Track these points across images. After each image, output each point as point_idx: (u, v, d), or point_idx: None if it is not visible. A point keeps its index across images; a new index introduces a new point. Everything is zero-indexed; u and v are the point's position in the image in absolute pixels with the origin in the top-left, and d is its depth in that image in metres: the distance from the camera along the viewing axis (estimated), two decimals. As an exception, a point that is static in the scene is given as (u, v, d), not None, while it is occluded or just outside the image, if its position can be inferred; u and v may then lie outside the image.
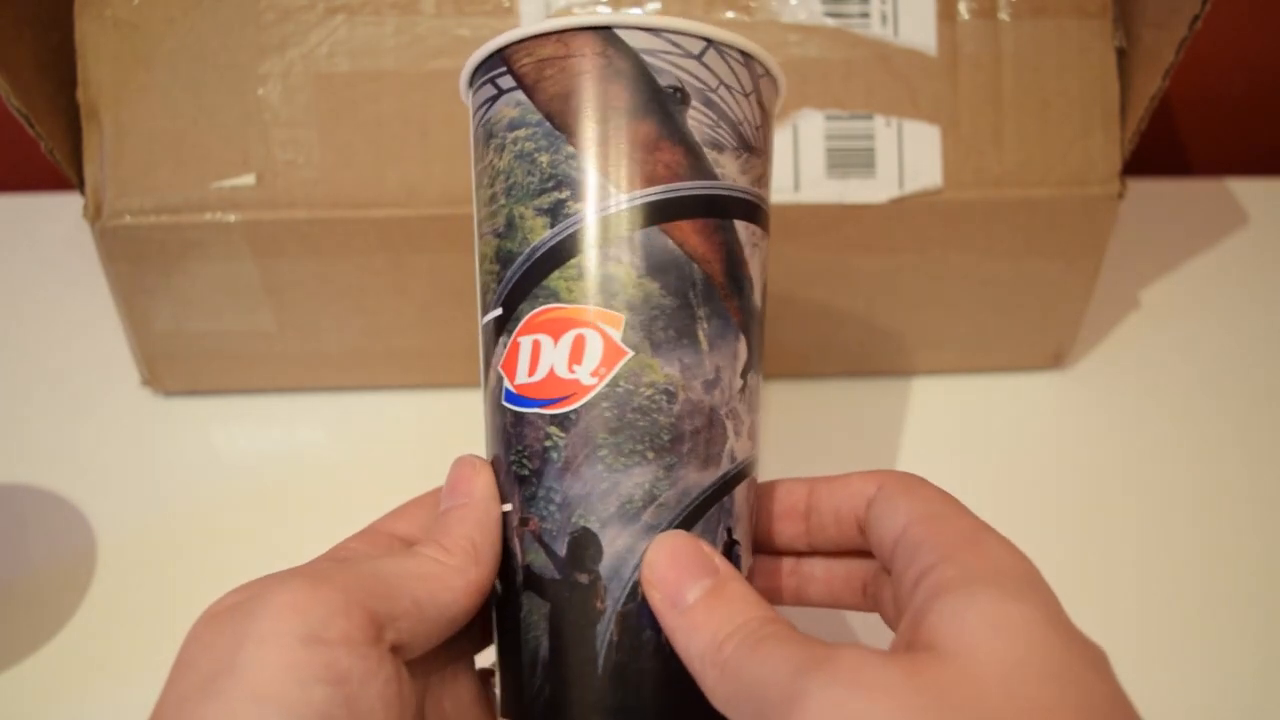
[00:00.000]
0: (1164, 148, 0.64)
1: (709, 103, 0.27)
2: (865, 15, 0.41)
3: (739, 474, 0.27)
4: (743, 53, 0.27)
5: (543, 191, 0.27)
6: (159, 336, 0.44)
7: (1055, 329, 0.46)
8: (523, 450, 0.27)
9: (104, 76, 0.40)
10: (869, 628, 0.38)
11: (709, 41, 0.27)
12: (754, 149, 0.28)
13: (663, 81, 0.26)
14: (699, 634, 0.24)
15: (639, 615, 0.25)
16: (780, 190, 0.41)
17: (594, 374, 0.26)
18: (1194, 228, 0.56)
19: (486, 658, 0.29)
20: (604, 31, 0.26)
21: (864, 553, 0.28)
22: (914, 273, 0.43)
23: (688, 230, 0.26)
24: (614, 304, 0.26)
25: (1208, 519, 0.43)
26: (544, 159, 0.27)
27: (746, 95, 0.27)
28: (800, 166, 0.41)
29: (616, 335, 0.26)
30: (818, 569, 0.30)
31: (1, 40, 0.37)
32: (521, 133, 0.27)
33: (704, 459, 0.26)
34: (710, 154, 0.27)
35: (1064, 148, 0.41)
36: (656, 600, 0.25)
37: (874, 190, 0.41)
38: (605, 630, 0.25)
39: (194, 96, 0.40)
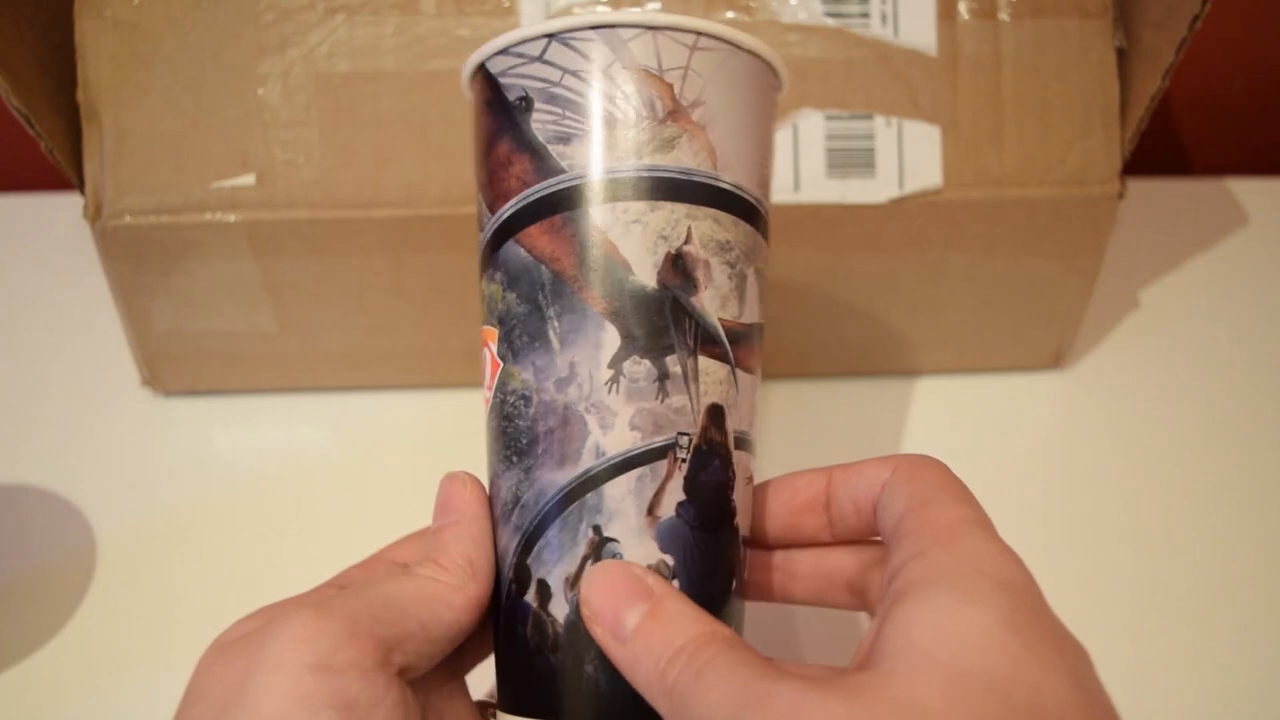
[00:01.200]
0: (1164, 148, 0.64)
1: (552, 99, 0.27)
2: (865, 15, 0.41)
3: (611, 469, 0.26)
4: (592, 27, 0.26)
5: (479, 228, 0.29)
6: (159, 336, 0.44)
7: (1055, 329, 0.46)
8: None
9: (104, 76, 0.40)
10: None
11: (549, 37, 0.27)
12: (621, 121, 0.26)
13: (512, 96, 0.27)
14: (642, 664, 0.24)
15: (512, 612, 0.27)
16: (780, 190, 0.41)
17: (488, 387, 0.28)
18: (1194, 228, 0.56)
19: (485, 674, 0.29)
20: (479, 68, 0.28)
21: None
22: (914, 273, 0.43)
23: (535, 234, 0.27)
24: (492, 320, 0.28)
25: (1207, 519, 0.43)
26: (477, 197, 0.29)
27: (603, 70, 0.26)
28: (800, 166, 0.41)
29: (495, 349, 0.28)
30: (803, 566, 0.29)
31: (1, 40, 0.37)
32: None
33: (560, 458, 0.26)
34: (555, 149, 0.27)
35: (1064, 148, 0.41)
36: (599, 635, 0.25)
37: (874, 190, 0.41)
38: (499, 626, 0.27)
39: (194, 96, 0.40)
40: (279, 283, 0.42)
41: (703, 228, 0.27)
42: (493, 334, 0.28)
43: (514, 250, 0.27)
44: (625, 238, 0.26)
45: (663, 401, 0.26)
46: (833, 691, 0.20)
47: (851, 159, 0.41)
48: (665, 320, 0.26)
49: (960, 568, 0.22)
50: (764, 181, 0.29)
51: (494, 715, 0.28)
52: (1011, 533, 0.45)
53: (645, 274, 0.26)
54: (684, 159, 0.27)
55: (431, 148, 0.40)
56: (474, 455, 0.30)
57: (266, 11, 0.40)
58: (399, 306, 0.44)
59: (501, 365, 0.27)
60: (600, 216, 0.26)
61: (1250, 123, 0.63)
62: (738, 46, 0.28)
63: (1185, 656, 0.39)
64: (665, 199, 0.27)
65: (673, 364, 0.26)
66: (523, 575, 0.26)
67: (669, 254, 0.26)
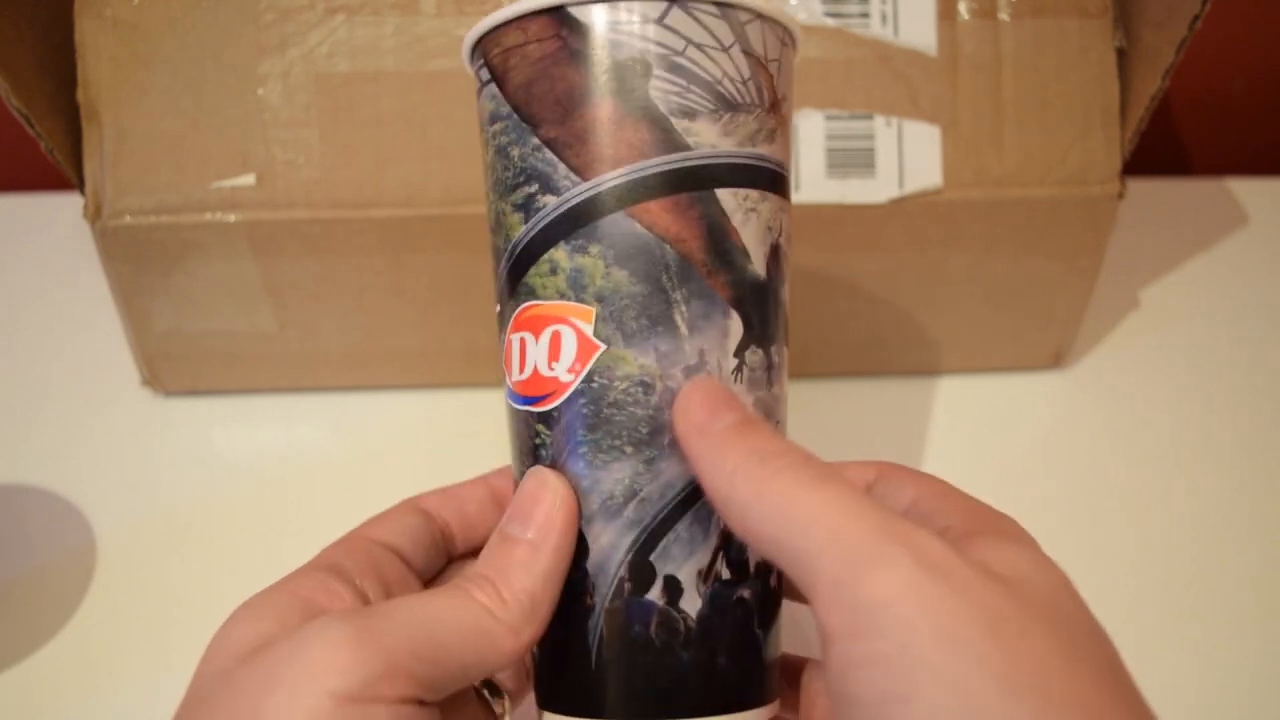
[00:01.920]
0: (1164, 148, 0.64)
1: (675, 68, 0.25)
2: (865, 15, 0.41)
3: None
4: (716, 4, 0.25)
5: (516, 186, 0.26)
6: (159, 336, 0.44)
7: (1055, 329, 0.46)
8: (520, 447, 0.27)
9: (104, 76, 0.40)
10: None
11: (671, 1, 0.25)
12: (741, 105, 0.26)
13: (621, 55, 0.25)
14: (733, 451, 0.23)
15: (626, 611, 0.25)
16: (780, 190, 0.41)
17: (570, 370, 0.26)
18: (1194, 228, 0.56)
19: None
20: (558, 12, 0.25)
21: None
22: (914, 273, 0.43)
23: (656, 210, 0.25)
24: (584, 297, 0.25)
25: (1207, 519, 0.43)
26: (515, 152, 0.26)
27: (726, 49, 0.26)
28: (800, 166, 0.41)
29: (589, 329, 0.25)
30: None
31: (1, 40, 0.37)
32: (498, 126, 0.27)
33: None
34: (680, 124, 0.25)
35: (1064, 148, 0.41)
36: (682, 426, 0.24)
37: (874, 190, 0.41)
38: (595, 626, 0.25)
39: (194, 96, 0.40)
40: (279, 283, 0.42)
41: (787, 222, 0.28)
42: (584, 312, 0.25)
43: (625, 224, 0.25)
44: (745, 225, 0.26)
45: (770, 390, 0.27)
46: (964, 557, 0.21)
47: (851, 159, 0.41)
48: (771, 310, 0.27)
49: (1013, 530, 0.25)
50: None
51: (499, 695, 0.28)
52: (1011, 533, 0.44)
53: (759, 263, 0.26)
54: (779, 152, 0.27)
55: (431, 148, 0.40)
56: (475, 455, 0.30)
57: (266, 11, 0.40)
58: (399, 306, 0.44)
59: (605, 347, 0.25)
60: (729, 201, 0.26)
61: (1250, 123, 0.63)
62: (796, 50, 0.28)
63: (1185, 656, 0.39)
64: (770, 190, 0.27)
65: (775, 353, 0.27)
66: (643, 572, 0.25)
67: (772, 245, 0.27)
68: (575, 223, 0.25)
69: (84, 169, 0.40)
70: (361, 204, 0.40)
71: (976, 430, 0.46)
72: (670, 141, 0.25)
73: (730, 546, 0.26)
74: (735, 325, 0.26)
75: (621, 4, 0.25)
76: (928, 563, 0.20)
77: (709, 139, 0.25)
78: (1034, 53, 0.41)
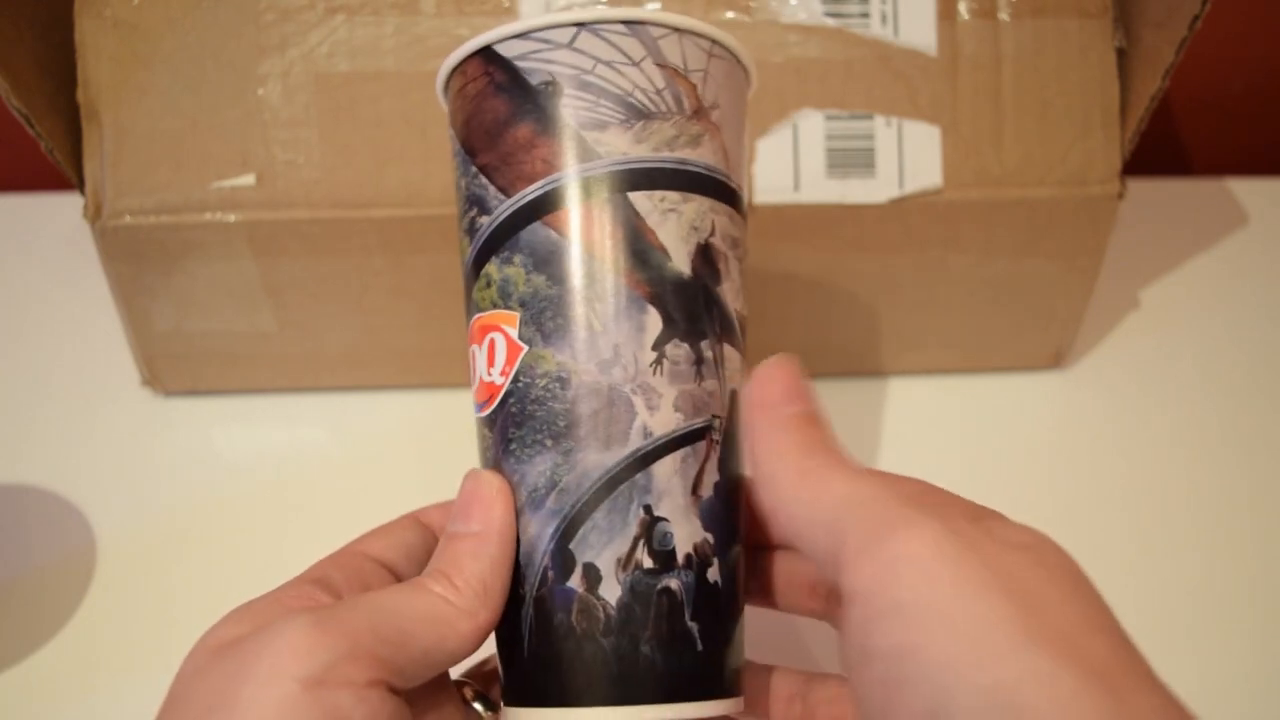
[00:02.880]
0: (1164, 148, 0.64)
1: (584, 85, 0.27)
2: (865, 15, 0.41)
3: (659, 449, 0.27)
4: (624, 23, 0.27)
5: (464, 213, 0.29)
6: (159, 336, 0.44)
7: (1055, 329, 0.46)
8: (480, 452, 0.29)
9: (104, 76, 0.40)
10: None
11: (579, 25, 0.27)
12: (655, 114, 0.27)
13: (535, 80, 0.27)
14: (791, 436, 0.26)
15: (550, 599, 0.26)
16: (780, 190, 0.41)
17: (502, 373, 0.28)
18: (1194, 228, 0.56)
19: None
20: (484, 51, 0.28)
21: None
22: (914, 273, 0.43)
23: (569, 217, 0.27)
24: (510, 304, 0.27)
25: (1207, 518, 0.43)
26: (463, 182, 0.29)
27: (637, 64, 0.27)
28: (800, 166, 0.41)
29: (514, 333, 0.27)
30: (771, 569, 0.30)
31: (1, 40, 0.37)
32: (455, 162, 0.30)
33: (605, 439, 0.26)
34: (591, 135, 0.27)
35: (1064, 148, 0.41)
36: (757, 397, 0.27)
37: (874, 190, 0.41)
38: (527, 616, 0.27)
39: (194, 96, 0.40)
40: (279, 283, 0.42)
41: (721, 223, 0.28)
42: (510, 318, 0.27)
43: (542, 232, 0.27)
44: (663, 225, 0.27)
45: (700, 384, 0.27)
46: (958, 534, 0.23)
47: (851, 159, 0.41)
48: (699, 306, 0.27)
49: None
50: (746, 187, 0.30)
51: (491, 709, 0.28)
52: (1011, 533, 0.44)
53: (681, 261, 0.27)
54: (707, 156, 0.28)
55: (431, 148, 0.40)
56: (474, 456, 0.30)
57: (266, 11, 0.40)
58: (399, 306, 0.44)
59: (527, 348, 0.27)
60: (644, 203, 0.27)
61: (1250, 123, 0.63)
62: (738, 60, 0.29)
63: (1185, 656, 0.39)
64: (695, 192, 0.28)
65: (705, 349, 0.27)
66: (564, 560, 0.26)
67: (699, 244, 0.28)
68: (502, 237, 0.28)
69: (84, 169, 0.40)
70: (361, 204, 0.40)
71: (976, 430, 0.46)
72: (582, 153, 0.27)
73: (652, 537, 0.26)
74: (653, 320, 0.27)
75: (534, 34, 0.27)
76: (952, 527, 0.22)
77: (620, 147, 0.27)
78: (1034, 53, 0.41)
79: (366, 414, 0.46)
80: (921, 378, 0.48)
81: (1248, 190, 0.58)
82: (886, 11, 0.41)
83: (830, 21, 0.40)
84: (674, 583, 0.26)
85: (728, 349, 0.28)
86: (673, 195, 0.27)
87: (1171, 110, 0.62)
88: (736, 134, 0.29)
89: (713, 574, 0.27)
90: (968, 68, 0.41)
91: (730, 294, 0.28)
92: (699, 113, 0.28)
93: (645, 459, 0.26)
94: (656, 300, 0.27)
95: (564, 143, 0.27)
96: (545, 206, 0.27)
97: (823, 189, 0.41)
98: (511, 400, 0.27)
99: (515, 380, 0.27)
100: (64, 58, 0.40)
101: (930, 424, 0.46)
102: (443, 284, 0.43)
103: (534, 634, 0.26)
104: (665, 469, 0.26)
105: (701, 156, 0.28)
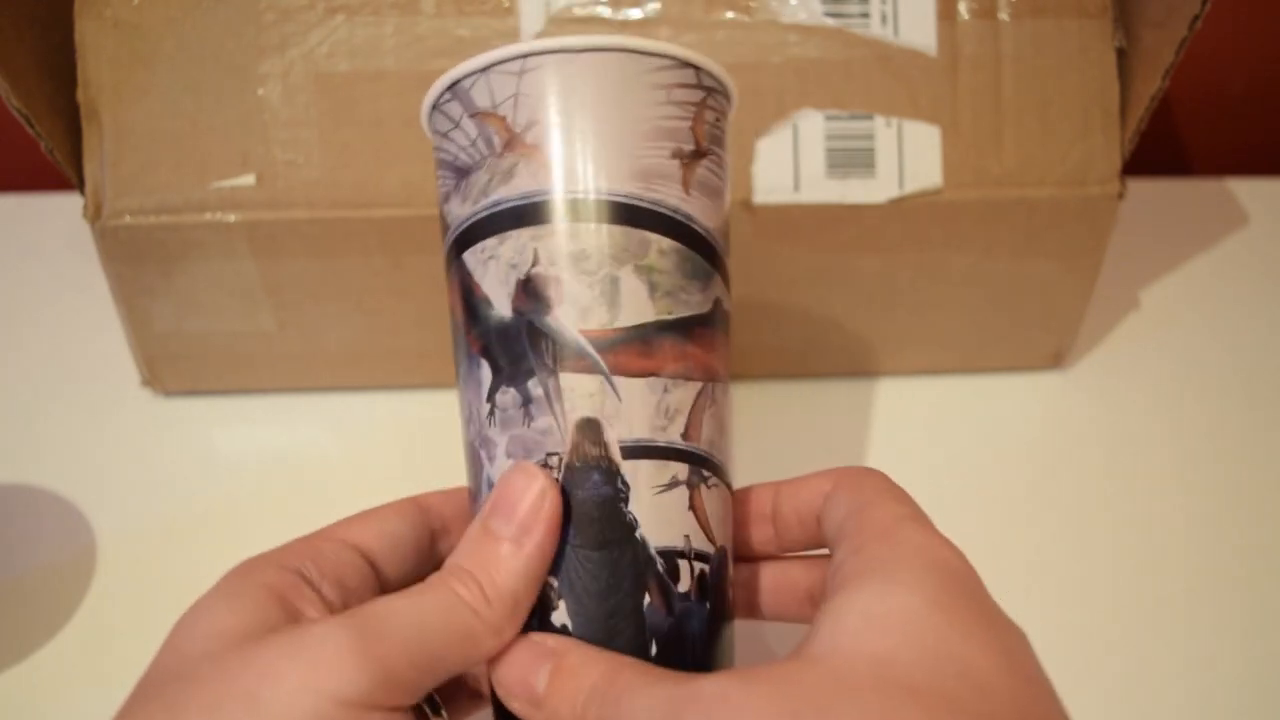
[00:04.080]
0: (1164, 148, 0.64)
1: (439, 164, 0.29)
2: (865, 15, 0.41)
3: None
4: (447, 88, 0.28)
5: None
6: (159, 336, 0.44)
7: (1055, 329, 0.46)
8: None
9: (104, 76, 0.40)
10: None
11: (430, 110, 0.29)
12: (472, 166, 0.27)
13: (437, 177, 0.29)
14: (562, 718, 0.24)
15: None
16: (780, 190, 0.41)
17: None
18: (1194, 228, 0.56)
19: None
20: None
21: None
22: (914, 273, 0.43)
23: (448, 293, 0.29)
24: None
25: (1208, 519, 0.43)
26: None
27: (457, 124, 0.28)
28: (800, 166, 0.41)
29: None
30: (765, 580, 0.29)
31: (1, 40, 0.37)
32: None
33: (475, 494, 0.28)
34: (444, 210, 0.29)
35: (1064, 148, 0.41)
36: (517, 709, 0.25)
37: (874, 190, 0.41)
38: None
39: (194, 96, 0.40)
40: (279, 283, 0.42)
41: (550, 245, 0.26)
42: None
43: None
44: (485, 275, 0.27)
45: (529, 426, 0.26)
46: (760, 680, 0.20)
47: (851, 159, 0.41)
48: (523, 345, 0.27)
49: (893, 557, 0.23)
50: (643, 172, 0.27)
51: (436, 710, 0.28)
52: (1010, 532, 0.45)
53: (502, 305, 0.27)
54: (524, 184, 0.27)
55: (431, 148, 0.40)
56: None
57: (266, 11, 0.40)
58: (399, 306, 0.44)
59: None
60: (471, 259, 0.28)
61: (1250, 123, 0.63)
62: (569, 51, 0.27)
63: (1184, 656, 0.39)
64: (509, 228, 0.27)
65: (534, 387, 0.26)
66: None
67: (519, 281, 0.27)
68: None
69: (84, 169, 0.40)
70: (361, 204, 0.40)
71: (977, 430, 0.46)
72: (444, 228, 0.29)
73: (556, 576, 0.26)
74: (485, 373, 0.27)
75: (427, 124, 0.29)
76: (721, 714, 0.20)
77: (456, 212, 0.28)
78: (1034, 53, 0.41)
79: (366, 414, 0.46)
80: (921, 378, 0.48)
81: (1248, 190, 0.58)
82: (886, 11, 0.41)
83: (830, 21, 0.40)
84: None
85: (570, 378, 0.26)
86: (490, 242, 0.27)
87: (1171, 110, 0.62)
88: (582, 132, 0.27)
89: (557, 617, 0.26)
90: (968, 68, 0.41)
91: (569, 316, 0.26)
92: (510, 144, 0.27)
93: None
94: (486, 352, 0.27)
95: (440, 223, 0.29)
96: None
97: (823, 189, 0.41)
98: None
99: None
100: (64, 58, 0.40)
101: (930, 424, 0.46)
102: (443, 284, 0.42)
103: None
104: None
105: (516, 188, 0.27)
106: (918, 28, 0.41)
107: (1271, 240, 0.55)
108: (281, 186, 0.40)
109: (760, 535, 0.29)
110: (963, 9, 0.41)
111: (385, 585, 0.28)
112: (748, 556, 0.30)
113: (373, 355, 0.46)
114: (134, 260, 0.41)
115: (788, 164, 0.41)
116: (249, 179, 0.40)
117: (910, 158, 0.41)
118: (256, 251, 0.41)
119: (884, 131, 0.41)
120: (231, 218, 0.40)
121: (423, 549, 0.29)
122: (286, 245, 0.41)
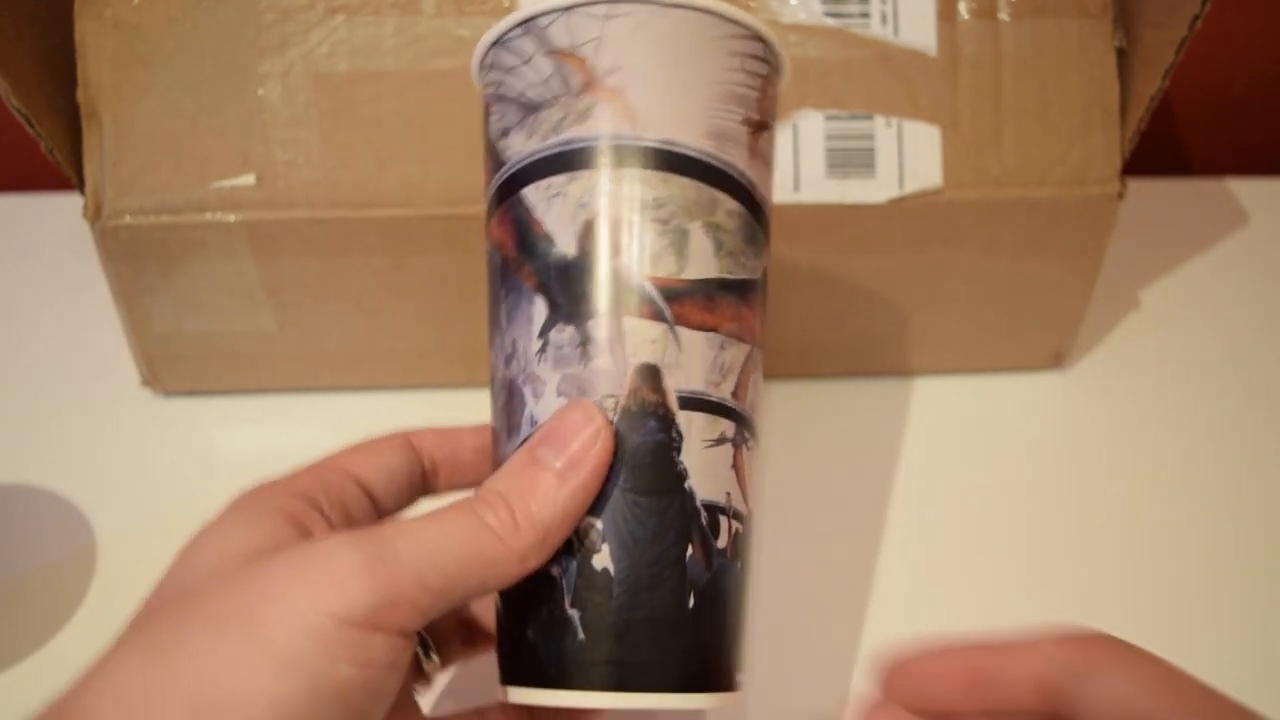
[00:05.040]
0: (1164, 148, 0.64)
1: (497, 99, 0.28)
2: (865, 15, 0.41)
3: None
4: (518, 24, 0.28)
5: None
6: (159, 336, 0.44)
7: (1055, 329, 0.46)
8: None
9: (104, 76, 0.40)
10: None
11: (491, 44, 0.28)
12: (543, 103, 0.27)
13: (483, 108, 0.29)
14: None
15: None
16: (780, 190, 0.41)
17: None
18: (1194, 228, 0.56)
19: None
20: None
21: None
22: (914, 272, 0.43)
23: (492, 226, 0.29)
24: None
25: (1208, 519, 0.43)
26: None
27: (527, 61, 0.27)
28: (800, 166, 0.41)
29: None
30: None
31: (1, 40, 0.37)
32: None
33: (509, 430, 0.27)
34: (500, 144, 0.28)
35: (1064, 148, 0.41)
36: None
37: (874, 190, 0.41)
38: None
39: (194, 96, 0.40)
40: (279, 283, 0.42)
41: (624, 189, 0.27)
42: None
43: (488, 248, 0.29)
44: (548, 212, 0.27)
45: (585, 366, 0.26)
46: None
47: (851, 159, 0.41)
48: (585, 285, 0.26)
49: None
50: (718, 132, 0.27)
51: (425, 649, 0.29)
52: (1010, 533, 0.45)
53: (566, 243, 0.27)
54: (601, 125, 0.27)
55: (431, 148, 0.40)
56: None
57: (266, 11, 0.40)
58: (399, 306, 0.44)
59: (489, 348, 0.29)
60: (533, 195, 0.27)
61: (1250, 123, 0.63)
62: (658, 4, 0.27)
63: (1184, 656, 0.39)
64: (582, 168, 0.27)
65: (594, 328, 0.26)
66: None
67: (587, 220, 0.27)
68: None
69: (84, 169, 0.40)
70: (361, 204, 0.40)
71: (977, 430, 0.46)
72: (495, 164, 0.28)
73: None
74: (539, 309, 0.27)
75: (479, 62, 0.29)
76: None
77: (517, 148, 0.28)
78: (1034, 53, 0.41)
79: (366, 414, 0.46)
80: (922, 378, 0.48)
81: (1248, 190, 0.58)
82: (886, 11, 0.41)
83: (830, 21, 0.40)
84: (554, 569, 0.26)
85: (633, 322, 0.26)
86: (559, 179, 0.27)
87: (1171, 110, 0.62)
88: (663, 83, 0.27)
89: (599, 561, 0.25)
90: (968, 68, 0.41)
91: (639, 262, 0.26)
92: (589, 85, 0.27)
93: None
94: (543, 288, 0.27)
95: (490, 158, 0.29)
96: (485, 224, 0.29)
97: (823, 189, 0.41)
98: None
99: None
100: (64, 58, 0.40)
101: (930, 424, 0.46)
102: (443, 284, 0.43)
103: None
104: None
105: (592, 129, 0.27)
106: (918, 28, 0.41)
107: (1271, 240, 0.55)
108: (281, 186, 0.40)
109: (950, 693, 0.25)
110: (963, 9, 0.41)
111: (381, 518, 0.28)
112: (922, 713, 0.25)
113: (373, 355, 0.46)
114: (134, 260, 0.41)
115: (788, 164, 0.41)
116: (249, 179, 0.40)
117: (910, 158, 0.41)
118: (256, 251, 0.41)
119: (884, 131, 0.41)
120: (231, 218, 0.40)
121: (415, 486, 0.30)
122: (286, 245, 0.41)
